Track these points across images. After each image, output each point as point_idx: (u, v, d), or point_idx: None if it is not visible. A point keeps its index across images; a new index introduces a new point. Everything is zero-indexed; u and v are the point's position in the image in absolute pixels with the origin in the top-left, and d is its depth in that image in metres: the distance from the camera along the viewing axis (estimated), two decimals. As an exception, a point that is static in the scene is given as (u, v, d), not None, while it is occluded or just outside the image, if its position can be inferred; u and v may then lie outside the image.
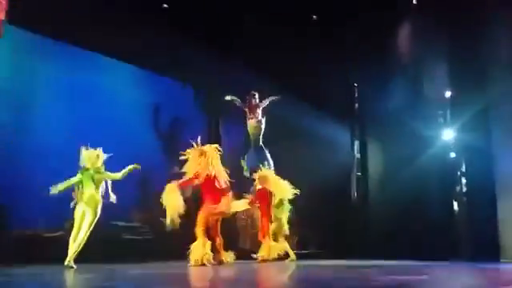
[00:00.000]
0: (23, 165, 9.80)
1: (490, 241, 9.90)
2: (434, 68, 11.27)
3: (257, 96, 10.91)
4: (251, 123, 10.94)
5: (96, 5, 9.99)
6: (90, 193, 7.83)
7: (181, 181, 8.33)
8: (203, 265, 7.95)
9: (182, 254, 9.37)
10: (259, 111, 10.88)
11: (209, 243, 8.22)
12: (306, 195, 11.74)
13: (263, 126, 10.98)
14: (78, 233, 7.71)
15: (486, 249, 9.77)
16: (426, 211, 11.05)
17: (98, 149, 8.13)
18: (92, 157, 7.99)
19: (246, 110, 10.95)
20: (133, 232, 10.81)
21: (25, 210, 9.44)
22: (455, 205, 11.03)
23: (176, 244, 10.07)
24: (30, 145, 10.02)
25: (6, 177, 9.27)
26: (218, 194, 8.39)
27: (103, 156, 8.08)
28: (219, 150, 8.66)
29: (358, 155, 13.19)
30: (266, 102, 10.93)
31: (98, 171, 7.96)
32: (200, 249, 8.05)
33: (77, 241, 7.68)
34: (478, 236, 10.16)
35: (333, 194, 12.49)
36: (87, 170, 7.96)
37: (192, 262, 7.99)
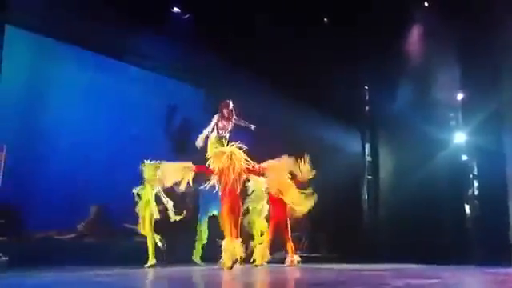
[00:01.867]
0: (36, 168, 9.88)
1: (501, 244, 9.83)
2: (446, 70, 11.21)
3: (231, 106, 9.02)
4: (213, 138, 8.75)
5: (109, 9, 10.07)
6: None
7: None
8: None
9: (190, 258, 9.47)
10: (227, 126, 8.92)
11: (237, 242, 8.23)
12: (317, 199, 11.72)
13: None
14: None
15: (497, 252, 9.70)
16: (437, 214, 10.99)
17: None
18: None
19: (216, 118, 8.92)
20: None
21: (37, 212, 9.52)
22: (467, 208, 10.96)
23: (185, 248, 10.13)
24: (43, 147, 10.10)
25: (19, 180, 9.35)
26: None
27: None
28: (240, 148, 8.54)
29: (368, 158, 13.15)
30: (239, 121, 9.11)
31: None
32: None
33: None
34: (490, 239, 10.08)
35: (344, 197, 12.46)
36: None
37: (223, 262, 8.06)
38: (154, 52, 11.45)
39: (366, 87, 13.39)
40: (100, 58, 11.17)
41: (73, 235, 9.87)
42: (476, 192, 10.89)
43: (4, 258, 8.00)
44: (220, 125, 8.87)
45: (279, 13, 11.34)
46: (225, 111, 8.93)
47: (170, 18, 11.59)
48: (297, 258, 9.48)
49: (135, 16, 10.38)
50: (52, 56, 10.52)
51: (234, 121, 9.03)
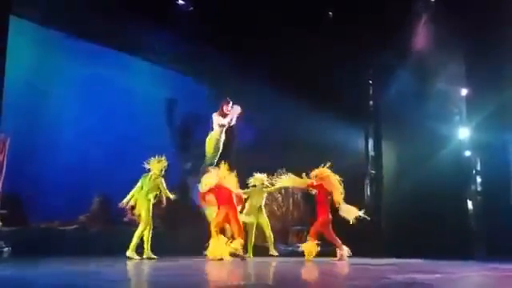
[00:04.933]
0: (39, 159, 9.92)
1: (504, 240, 9.82)
2: (450, 66, 11.18)
3: (230, 104, 9.45)
4: (213, 134, 9.30)
5: (114, 2, 10.05)
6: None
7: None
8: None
9: (191, 250, 9.49)
10: (225, 122, 9.38)
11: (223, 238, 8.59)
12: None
13: (222, 144, 9.43)
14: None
15: (500, 248, 9.69)
16: (440, 210, 10.96)
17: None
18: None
19: (215, 115, 9.42)
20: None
21: (40, 203, 9.56)
22: (470, 204, 10.95)
23: (185, 240, 10.19)
24: (47, 139, 10.14)
25: (23, 171, 9.39)
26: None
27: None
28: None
29: (372, 153, 13.11)
30: (234, 111, 9.51)
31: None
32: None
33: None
34: (493, 235, 10.08)
35: (347, 191, 12.41)
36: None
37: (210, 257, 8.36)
38: (159, 45, 11.45)
39: (370, 82, 13.34)
40: (104, 50, 11.17)
41: (75, 226, 9.92)
42: (479, 188, 10.88)
43: (7, 249, 8.04)
44: (219, 121, 9.30)
45: (282, 9, 11.30)
46: (224, 108, 9.37)
47: (174, 11, 11.56)
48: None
49: (140, 10, 10.35)
50: (56, 48, 10.52)
51: (231, 115, 9.41)
